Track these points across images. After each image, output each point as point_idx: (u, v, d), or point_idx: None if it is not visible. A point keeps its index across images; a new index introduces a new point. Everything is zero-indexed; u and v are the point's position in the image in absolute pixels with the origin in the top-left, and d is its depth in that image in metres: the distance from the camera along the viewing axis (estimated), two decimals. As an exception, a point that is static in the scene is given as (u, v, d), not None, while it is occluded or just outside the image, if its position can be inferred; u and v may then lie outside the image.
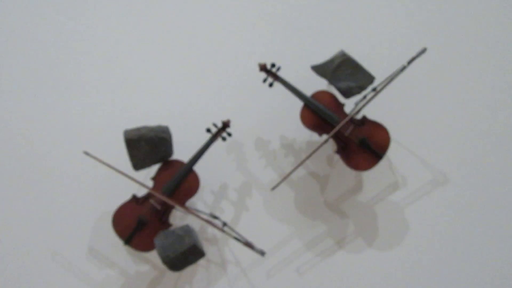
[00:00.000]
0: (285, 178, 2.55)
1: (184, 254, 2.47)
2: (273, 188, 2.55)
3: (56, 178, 2.83)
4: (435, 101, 2.90)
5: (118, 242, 2.66)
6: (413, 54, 2.53)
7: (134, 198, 2.61)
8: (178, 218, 2.80)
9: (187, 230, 2.52)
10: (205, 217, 2.58)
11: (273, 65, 2.64)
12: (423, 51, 2.50)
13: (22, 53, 2.94)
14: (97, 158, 2.53)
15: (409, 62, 2.50)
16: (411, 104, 2.89)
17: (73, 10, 2.98)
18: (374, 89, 2.58)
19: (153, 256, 2.73)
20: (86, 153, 2.57)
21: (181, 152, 2.73)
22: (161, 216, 2.60)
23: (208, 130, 2.64)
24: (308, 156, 2.54)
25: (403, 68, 2.51)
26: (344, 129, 2.61)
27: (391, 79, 2.51)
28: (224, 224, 2.57)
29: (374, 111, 2.74)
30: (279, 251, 2.80)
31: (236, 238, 2.51)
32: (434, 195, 2.83)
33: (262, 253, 2.51)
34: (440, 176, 2.85)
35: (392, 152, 2.83)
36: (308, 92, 2.66)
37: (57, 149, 2.85)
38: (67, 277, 2.76)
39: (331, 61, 2.65)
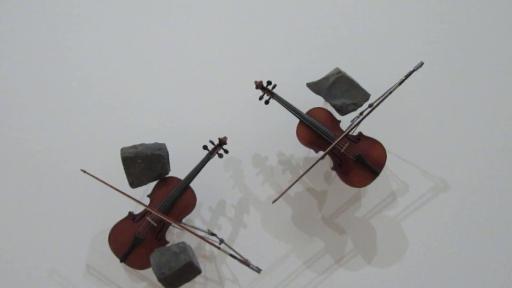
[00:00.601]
0: (285, 191, 2.54)
1: (180, 272, 2.46)
2: (274, 201, 2.53)
3: (53, 196, 2.84)
4: (432, 113, 2.90)
5: (115, 259, 2.65)
6: (408, 71, 2.54)
7: (131, 216, 2.62)
8: (175, 235, 2.80)
9: (183, 247, 2.51)
10: (201, 234, 2.57)
11: (269, 83, 2.66)
12: (420, 65, 2.50)
13: (20, 71, 2.98)
14: (94, 175, 2.55)
15: (407, 76, 2.50)
16: (407, 117, 2.89)
17: (71, 29, 3.02)
18: (370, 105, 2.58)
19: (150, 273, 2.72)
20: (83, 171, 2.58)
21: (178, 169, 2.73)
22: (158, 234, 2.60)
23: (205, 147, 2.66)
24: (305, 172, 2.54)
25: (401, 82, 2.50)
26: (340, 145, 2.61)
27: (387, 94, 2.52)
28: (221, 241, 2.56)
29: (370, 126, 2.74)
30: (276, 268, 2.78)
31: (232, 256, 2.50)
32: (432, 212, 2.82)
33: (258, 270, 2.50)
34: (438, 188, 2.83)
35: (389, 166, 2.82)
36: (304, 109, 2.67)
37: (55, 166, 2.87)
38: (64, 295, 2.77)
39: (326, 78, 2.67)
